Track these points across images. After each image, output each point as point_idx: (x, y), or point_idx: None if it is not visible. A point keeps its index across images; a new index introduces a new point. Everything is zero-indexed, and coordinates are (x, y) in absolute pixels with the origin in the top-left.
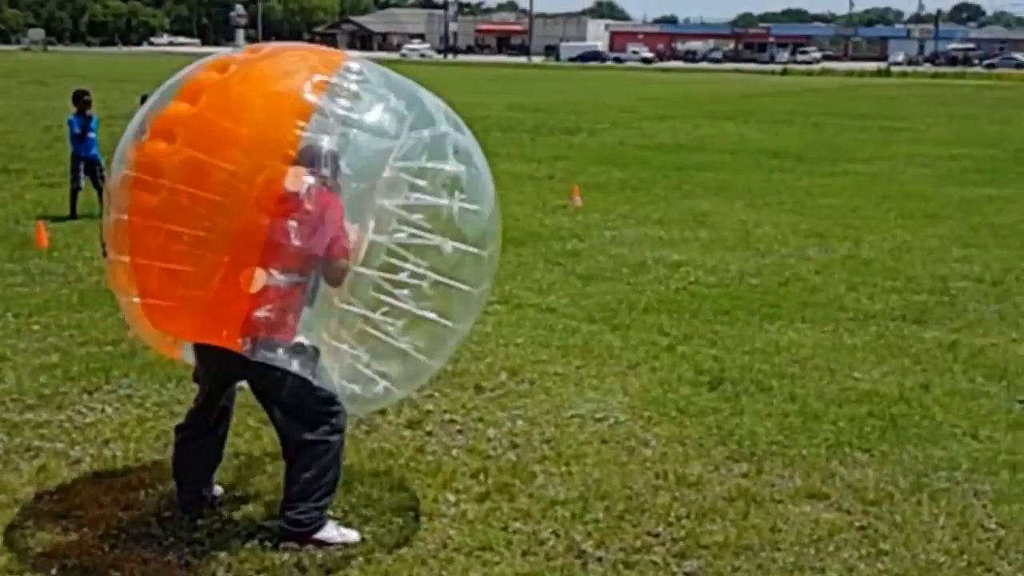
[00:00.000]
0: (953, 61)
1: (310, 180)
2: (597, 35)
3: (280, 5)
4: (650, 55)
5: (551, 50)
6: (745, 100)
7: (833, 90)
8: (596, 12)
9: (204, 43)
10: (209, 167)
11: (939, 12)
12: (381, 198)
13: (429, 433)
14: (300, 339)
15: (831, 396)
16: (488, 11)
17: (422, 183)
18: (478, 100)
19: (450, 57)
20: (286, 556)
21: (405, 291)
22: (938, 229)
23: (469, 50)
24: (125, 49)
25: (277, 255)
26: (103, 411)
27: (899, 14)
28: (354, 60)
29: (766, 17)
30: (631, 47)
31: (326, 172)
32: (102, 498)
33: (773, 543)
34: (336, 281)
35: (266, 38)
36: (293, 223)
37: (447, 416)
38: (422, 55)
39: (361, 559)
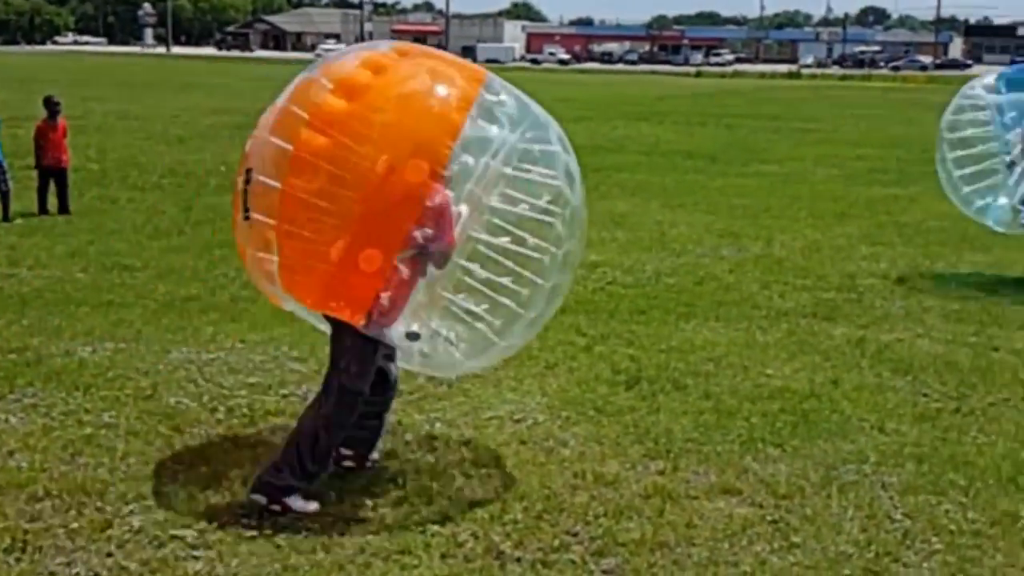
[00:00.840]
0: (860, 64)
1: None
2: (514, 36)
3: (190, 4)
4: (567, 56)
5: (468, 51)
6: (660, 102)
7: (746, 92)
8: (513, 13)
9: (111, 42)
10: (356, 159)
11: (846, 15)
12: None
13: None
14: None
15: (744, 393)
16: (404, 11)
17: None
18: None
19: None
20: (199, 565)
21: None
22: (847, 228)
23: None
24: (28, 48)
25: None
26: (7, 421)
27: (808, 17)
28: (493, 78)
29: (680, 19)
30: (548, 48)
31: (447, 173)
32: (7, 510)
33: (688, 539)
34: (443, 264)
35: (175, 37)
36: (428, 230)
37: None
38: None
39: (278, 565)
